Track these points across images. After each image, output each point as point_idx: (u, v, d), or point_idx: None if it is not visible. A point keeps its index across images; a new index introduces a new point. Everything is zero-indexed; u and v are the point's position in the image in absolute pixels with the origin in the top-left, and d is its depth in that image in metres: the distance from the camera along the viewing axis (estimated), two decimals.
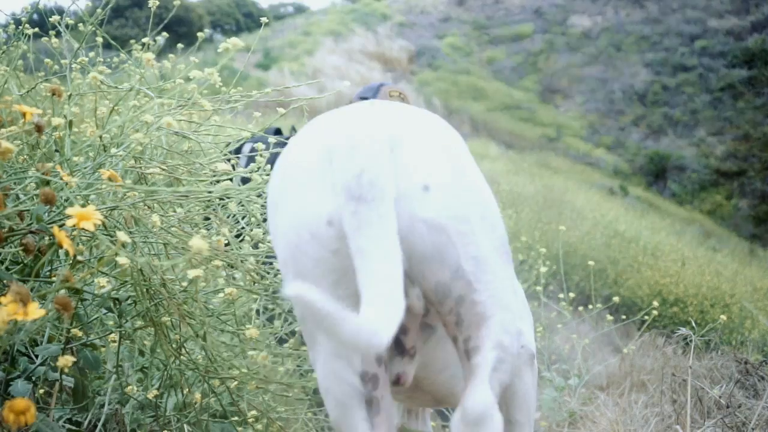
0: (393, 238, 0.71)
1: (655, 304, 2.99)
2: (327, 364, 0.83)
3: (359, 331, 0.62)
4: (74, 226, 0.80)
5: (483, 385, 0.78)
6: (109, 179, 0.93)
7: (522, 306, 0.98)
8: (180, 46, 2.37)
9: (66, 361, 0.86)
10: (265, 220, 1.44)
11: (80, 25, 1.74)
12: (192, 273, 0.90)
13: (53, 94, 0.99)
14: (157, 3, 1.19)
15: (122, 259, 0.84)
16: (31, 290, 0.93)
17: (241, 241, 1.27)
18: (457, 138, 0.92)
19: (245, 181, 1.32)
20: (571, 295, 3.08)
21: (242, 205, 1.28)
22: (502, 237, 0.86)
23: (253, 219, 1.33)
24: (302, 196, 0.80)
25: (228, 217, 1.27)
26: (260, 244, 1.26)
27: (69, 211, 0.79)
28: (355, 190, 0.72)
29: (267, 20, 1.30)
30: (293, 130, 2.36)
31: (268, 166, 1.33)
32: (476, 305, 0.80)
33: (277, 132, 2.55)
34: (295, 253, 0.80)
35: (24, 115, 0.87)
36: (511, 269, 0.90)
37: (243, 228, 1.29)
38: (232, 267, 1.22)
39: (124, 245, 0.81)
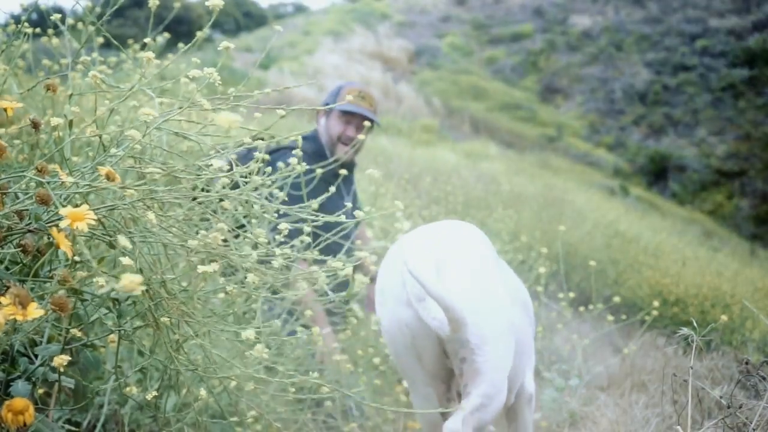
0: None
1: (656, 304, 2.99)
2: (420, 403, 1.38)
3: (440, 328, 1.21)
4: (68, 226, 0.79)
5: (458, 417, 1.22)
6: (107, 177, 0.93)
7: (526, 358, 1.48)
8: (181, 45, 2.37)
9: (61, 360, 0.86)
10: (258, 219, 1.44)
11: (79, 24, 1.74)
12: (202, 269, 0.91)
13: (48, 89, 0.99)
14: (158, 3, 1.18)
15: (126, 260, 0.84)
16: (30, 290, 0.93)
17: (238, 238, 1.27)
18: (482, 251, 1.43)
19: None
20: (572, 295, 3.08)
21: (241, 205, 1.27)
22: (506, 322, 1.35)
23: (254, 220, 1.33)
24: (393, 306, 1.37)
25: (227, 216, 1.26)
26: (260, 244, 1.25)
27: (62, 211, 0.79)
28: (421, 295, 1.23)
29: (280, 29, 1.30)
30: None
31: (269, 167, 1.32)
32: (474, 364, 1.26)
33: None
34: (390, 331, 1.39)
35: (6, 110, 0.87)
36: (510, 343, 1.37)
37: (244, 228, 1.29)
38: (232, 266, 1.22)
39: (124, 247, 0.80)
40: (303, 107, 1.16)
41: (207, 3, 1.03)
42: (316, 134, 2.70)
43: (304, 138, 2.64)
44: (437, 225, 1.53)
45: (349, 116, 2.61)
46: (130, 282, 0.73)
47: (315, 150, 2.62)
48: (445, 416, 1.33)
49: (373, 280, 1.62)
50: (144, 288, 1.00)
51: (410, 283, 1.25)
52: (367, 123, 2.29)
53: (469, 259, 1.38)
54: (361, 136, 2.18)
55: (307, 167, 1.38)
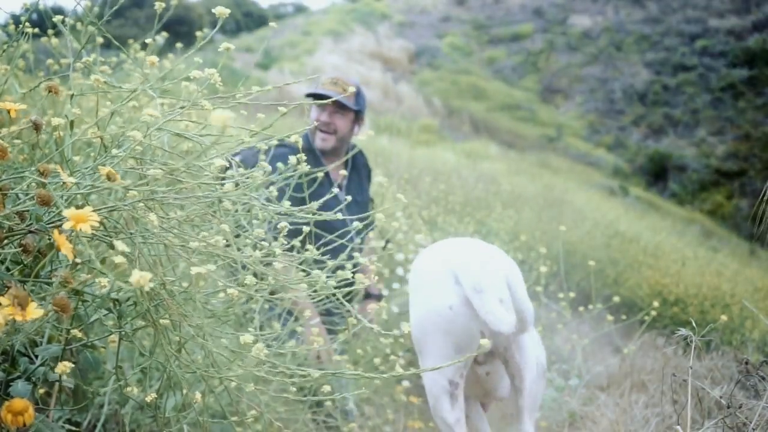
0: (498, 304, 1.46)
1: (656, 304, 2.99)
2: (433, 374, 1.54)
3: (500, 325, 1.43)
4: (71, 228, 0.79)
5: (529, 424, 1.55)
6: (108, 177, 0.93)
7: (538, 344, 1.68)
8: (179, 45, 2.37)
9: (64, 367, 0.86)
10: (259, 221, 1.44)
11: (78, 24, 1.74)
12: (195, 270, 0.91)
13: (50, 91, 0.99)
14: (164, 5, 1.18)
15: (118, 258, 0.84)
16: (31, 291, 0.93)
17: (238, 237, 1.26)
18: (509, 260, 1.67)
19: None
20: (572, 295, 3.08)
21: (242, 204, 1.27)
22: (531, 319, 1.59)
23: (255, 221, 1.32)
24: (432, 292, 1.56)
25: (229, 217, 1.26)
26: (262, 243, 1.25)
27: (66, 212, 0.79)
28: (478, 287, 1.47)
29: (275, 25, 1.29)
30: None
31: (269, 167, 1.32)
32: (515, 359, 1.56)
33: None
34: (422, 311, 1.57)
35: (9, 112, 0.87)
36: (534, 332, 1.67)
37: (245, 229, 1.29)
38: (233, 266, 1.22)
39: (123, 252, 0.80)
40: (301, 103, 1.16)
41: (215, 11, 1.03)
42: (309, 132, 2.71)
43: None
44: (468, 238, 1.82)
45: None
46: (139, 279, 0.74)
47: (305, 147, 2.63)
48: (452, 390, 1.56)
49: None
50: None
51: (467, 275, 1.50)
52: (373, 127, 2.28)
53: (501, 261, 1.65)
54: (362, 137, 2.16)
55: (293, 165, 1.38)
